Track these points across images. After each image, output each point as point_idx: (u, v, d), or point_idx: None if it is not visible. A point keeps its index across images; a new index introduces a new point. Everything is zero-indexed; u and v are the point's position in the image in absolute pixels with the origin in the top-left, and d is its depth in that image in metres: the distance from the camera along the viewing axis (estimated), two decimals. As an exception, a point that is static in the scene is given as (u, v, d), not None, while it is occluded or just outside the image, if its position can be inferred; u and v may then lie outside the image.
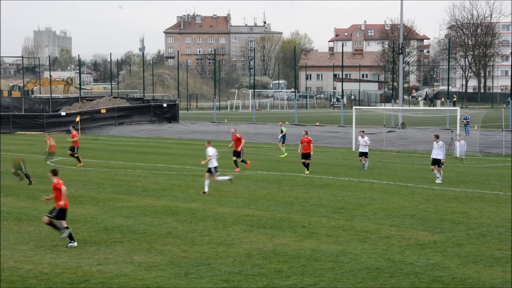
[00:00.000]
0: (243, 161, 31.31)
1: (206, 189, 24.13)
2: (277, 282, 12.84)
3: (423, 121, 62.23)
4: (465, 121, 51.78)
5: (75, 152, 34.19)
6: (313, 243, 16.02)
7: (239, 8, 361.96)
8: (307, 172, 29.65)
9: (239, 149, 31.06)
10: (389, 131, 56.90)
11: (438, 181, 26.66)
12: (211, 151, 24.42)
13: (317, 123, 70.18)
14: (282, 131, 38.85)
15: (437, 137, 27.02)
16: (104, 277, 13.20)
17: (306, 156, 29.84)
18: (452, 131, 46.63)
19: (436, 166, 26.80)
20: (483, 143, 44.46)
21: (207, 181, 24.24)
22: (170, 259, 14.59)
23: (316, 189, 25.08)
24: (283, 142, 38.47)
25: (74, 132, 34.48)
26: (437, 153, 26.72)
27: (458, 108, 46.09)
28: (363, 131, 32.26)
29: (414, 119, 64.07)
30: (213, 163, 24.38)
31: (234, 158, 31.27)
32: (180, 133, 59.82)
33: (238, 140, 31.12)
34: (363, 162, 31.37)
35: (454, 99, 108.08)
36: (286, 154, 37.93)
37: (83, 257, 14.79)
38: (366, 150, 31.43)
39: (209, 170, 24.37)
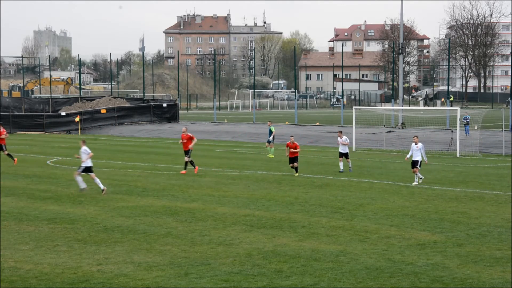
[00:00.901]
0: (191, 162, 30.00)
1: (83, 185, 24.06)
2: (277, 282, 12.83)
3: (423, 121, 62.26)
4: (465, 121, 51.77)
5: (4, 150, 33.75)
6: (313, 243, 16.02)
7: (239, 8, 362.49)
8: (297, 174, 28.96)
9: (189, 147, 30.00)
10: (389, 131, 56.91)
11: (415, 182, 26.08)
12: (83, 150, 24.41)
13: (317, 123, 70.21)
14: (271, 132, 38.58)
15: (417, 137, 26.80)
16: (104, 277, 13.19)
17: (294, 160, 29.04)
18: (452, 131, 46.65)
19: (416, 168, 26.29)
20: (483, 143, 44.45)
21: (79, 177, 24.15)
22: (170, 259, 14.58)
23: (316, 189, 25.07)
24: (269, 142, 38.38)
25: (1, 129, 33.98)
26: (416, 154, 26.26)
27: (458, 108, 46.08)
28: (341, 132, 31.38)
29: (414, 119, 64.09)
30: (86, 163, 24.22)
31: (186, 159, 30.01)
32: (180, 133, 59.74)
33: (189, 139, 30.25)
34: (346, 166, 30.25)
35: (451, 99, 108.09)
36: (272, 155, 37.59)
37: (83, 257, 14.78)
38: (346, 150, 30.34)
39: (83, 169, 24.22)
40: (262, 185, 26.12)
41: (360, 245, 15.85)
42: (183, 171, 29.95)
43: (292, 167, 29.27)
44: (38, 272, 13.59)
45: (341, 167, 30.30)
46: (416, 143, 26.41)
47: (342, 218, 19.26)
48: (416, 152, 26.31)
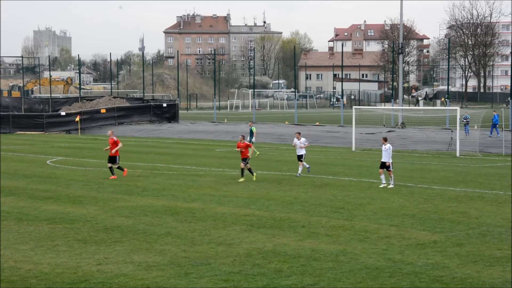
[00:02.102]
0: (119, 167, 28.41)
1: None
2: (277, 282, 12.83)
3: (423, 121, 62.27)
4: (464, 121, 51.74)
5: None
6: (313, 243, 16.01)
7: (239, 8, 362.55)
8: (254, 178, 27.28)
9: (113, 152, 28.25)
10: (389, 131, 56.91)
11: (390, 186, 25.20)
12: None
13: (317, 123, 70.21)
14: (252, 132, 38.77)
15: (385, 139, 25.82)
16: (104, 277, 13.19)
17: (244, 160, 27.53)
18: (452, 131, 46.65)
19: (385, 170, 25.40)
20: (483, 143, 44.46)
21: None
22: (170, 259, 14.58)
23: (316, 189, 25.06)
24: (252, 143, 38.59)
25: None
26: (384, 156, 25.33)
27: (458, 108, 46.10)
28: (299, 133, 29.36)
29: (414, 119, 64.11)
30: None
31: (109, 164, 28.46)
32: (180, 133, 59.83)
33: (114, 144, 28.36)
34: (300, 169, 28.89)
35: (448, 99, 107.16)
36: (258, 152, 36.95)
37: (83, 257, 14.78)
38: (303, 152, 28.81)
39: None
40: (262, 185, 26.12)
41: (360, 245, 15.84)
42: (113, 176, 28.09)
43: (242, 169, 27.54)
44: (38, 272, 13.59)
45: (300, 171, 28.94)
46: (384, 144, 25.56)
47: (342, 218, 19.26)
48: (385, 153, 25.41)
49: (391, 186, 25.32)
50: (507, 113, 61.74)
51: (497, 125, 51.89)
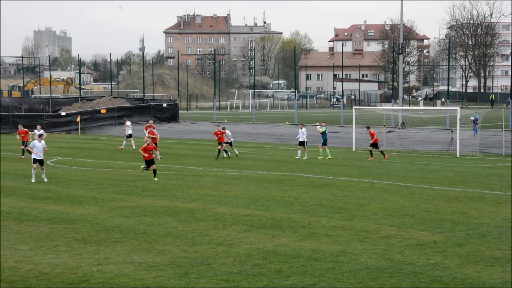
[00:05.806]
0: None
1: None
2: (277, 282, 12.83)
3: (423, 121, 62.26)
4: (473, 119, 51.19)
5: None
6: (313, 243, 16.01)
7: (239, 8, 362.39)
8: (156, 179, 27.39)
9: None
10: (389, 131, 56.87)
11: (305, 157, 36.06)
12: None
13: (317, 123, 70.15)
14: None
15: (302, 125, 37.40)
16: (104, 277, 13.19)
17: (151, 163, 28.20)
18: (452, 131, 46.62)
19: (302, 146, 36.30)
20: (483, 143, 44.44)
21: None
22: (170, 259, 14.58)
23: (316, 189, 25.07)
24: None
25: None
26: (302, 136, 36.04)
27: (458, 108, 46.09)
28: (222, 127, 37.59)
29: (414, 119, 64.09)
30: None
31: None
32: (180, 133, 59.82)
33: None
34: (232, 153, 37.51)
35: (443, 100, 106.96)
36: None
37: (83, 257, 14.77)
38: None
39: None
40: (262, 185, 26.11)
41: (360, 245, 15.84)
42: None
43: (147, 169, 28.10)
44: (38, 272, 13.58)
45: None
46: (301, 128, 36.56)
47: (342, 218, 19.26)
48: (301, 134, 36.14)
49: (305, 158, 36.14)
50: (507, 113, 61.72)
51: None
